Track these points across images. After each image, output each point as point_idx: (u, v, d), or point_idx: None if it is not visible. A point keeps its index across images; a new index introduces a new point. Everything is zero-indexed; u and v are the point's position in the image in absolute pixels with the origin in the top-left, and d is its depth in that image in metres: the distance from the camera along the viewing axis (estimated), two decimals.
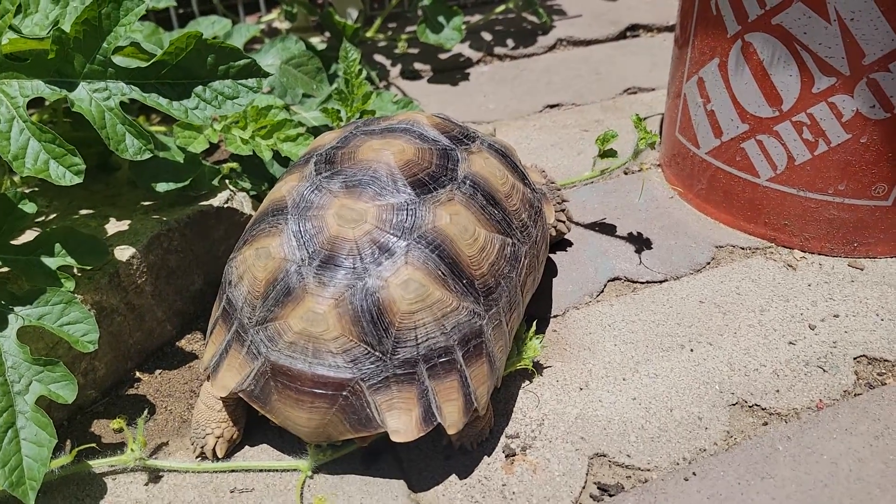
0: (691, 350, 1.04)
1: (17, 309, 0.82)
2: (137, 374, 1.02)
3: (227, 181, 1.17)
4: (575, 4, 2.30)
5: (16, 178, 1.10)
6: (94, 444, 0.89)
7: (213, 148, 1.52)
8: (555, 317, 1.11)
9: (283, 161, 1.25)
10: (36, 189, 1.11)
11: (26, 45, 0.85)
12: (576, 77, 1.87)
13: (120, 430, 0.86)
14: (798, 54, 1.08)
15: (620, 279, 1.18)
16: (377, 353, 0.79)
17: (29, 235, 0.97)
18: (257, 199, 1.23)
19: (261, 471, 0.88)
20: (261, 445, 0.91)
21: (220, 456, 0.88)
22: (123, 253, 0.98)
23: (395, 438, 0.79)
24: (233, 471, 0.88)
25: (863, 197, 1.14)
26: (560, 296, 1.15)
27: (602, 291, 1.16)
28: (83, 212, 1.06)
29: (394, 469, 0.88)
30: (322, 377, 0.79)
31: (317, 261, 0.80)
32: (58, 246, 0.89)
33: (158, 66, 0.87)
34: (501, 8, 2.08)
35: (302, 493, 0.85)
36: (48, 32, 0.87)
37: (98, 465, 0.87)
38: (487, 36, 2.08)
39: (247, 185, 1.21)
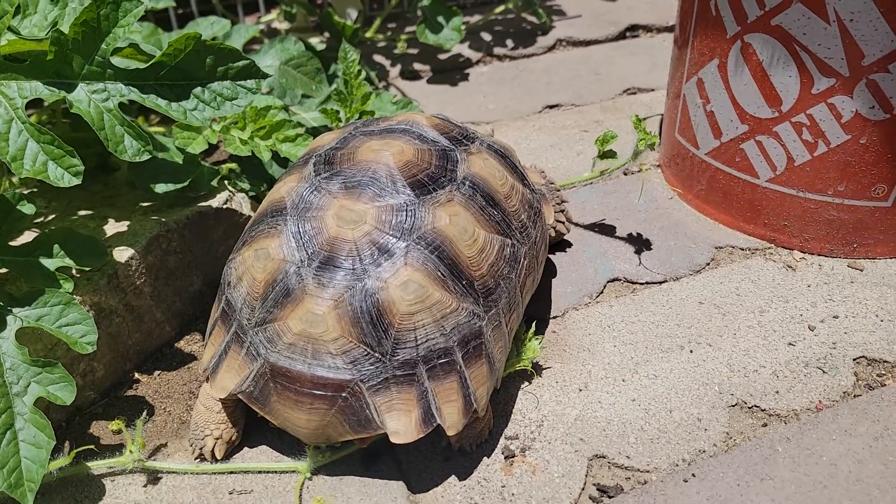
0: (691, 351, 1.04)
1: (15, 310, 0.82)
2: (136, 375, 1.02)
3: (225, 182, 1.17)
4: (574, 5, 2.30)
5: (14, 179, 1.10)
6: (92, 446, 0.89)
7: (212, 148, 1.52)
8: (554, 318, 1.11)
9: (283, 162, 1.25)
10: (35, 190, 1.10)
11: (25, 46, 0.85)
12: (575, 77, 1.87)
13: (118, 432, 0.86)
14: (797, 55, 1.07)
15: (620, 280, 1.18)
16: (377, 355, 0.78)
17: (28, 236, 0.97)
18: (256, 200, 1.23)
19: (260, 472, 0.88)
20: (260, 447, 0.91)
21: (218, 457, 0.88)
22: (122, 254, 0.98)
23: (394, 440, 0.79)
24: (231, 472, 0.88)
25: (862, 198, 1.14)
26: (559, 297, 1.14)
27: (601, 292, 1.16)
28: (82, 213, 1.06)
29: (393, 470, 0.88)
30: (321, 378, 0.78)
31: (316, 262, 0.80)
32: (56, 247, 0.89)
33: (157, 68, 0.87)
34: (501, 8, 2.08)
35: (301, 495, 0.85)
36: (47, 33, 0.87)
37: (97, 466, 0.87)
38: (487, 36, 2.08)
39: (246, 185, 1.21)
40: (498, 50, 2.01)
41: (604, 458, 0.88)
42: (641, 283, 1.17)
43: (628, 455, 0.89)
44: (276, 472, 0.88)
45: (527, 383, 0.99)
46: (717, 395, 0.96)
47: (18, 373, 0.80)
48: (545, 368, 1.01)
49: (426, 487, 0.85)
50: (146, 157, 0.86)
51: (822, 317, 1.08)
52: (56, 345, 0.89)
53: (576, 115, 1.70)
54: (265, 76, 0.92)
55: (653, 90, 1.80)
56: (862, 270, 1.17)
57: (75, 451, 0.85)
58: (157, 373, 1.03)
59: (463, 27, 1.79)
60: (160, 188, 1.05)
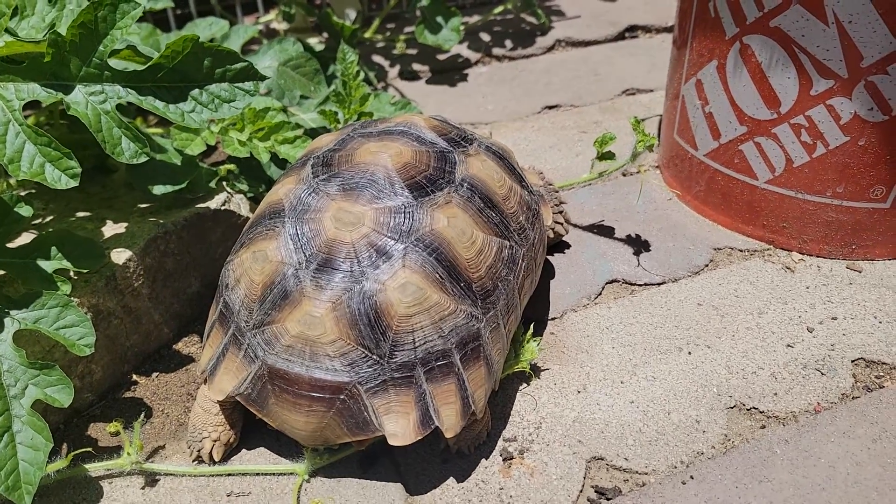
0: (689, 353, 1.03)
1: (13, 312, 0.82)
2: (134, 377, 1.02)
3: (224, 183, 1.17)
4: (573, 5, 2.30)
5: (12, 181, 1.10)
6: (90, 448, 0.89)
7: (211, 149, 1.52)
8: (552, 319, 1.10)
9: (281, 163, 1.25)
10: (33, 191, 1.10)
11: (22, 47, 0.85)
12: (574, 78, 1.87)
13: (116, 434, 0.86)
14: (796, 57, 1.07)
15: (618, 281, 1.18)
16: (374, 357, 0.78)
17: (26, 238, 0.97)
18: (255, 202, 1.23)
19: (257, 474, 0.88)
20: (258, 449, 0.91)
21: (216, 459, 0.88)
22: (120, 256, 0.97)
23: (392, 442, 0.78)
24: (229, 474, 0.88)
25: (861, 199, 1.14)
26: (558, 298, 1.14)
27: (600, 294, 1.15)
28: (80, 214, 1.06)
29: (391, 473, 0.88)
30: (319, 381, 0.78)
31: (314, 264, 0.80)
32: (54, 249, 0.89)
33: (155, 70, 0.87)
34: (500, 9, 2.08)
35: (299, 497, 0.85)
36: (44, 35, 0.87)
37: (94, 468, 0.87)
38: (486, 37, 2.07)
39: (244, 187, 1.21)
40: (497, 50, 2.00)
41: (602, 459, 0.88)
42: (640, 285, 1.17)
43: (626, 457, 0.89)
44: (273, 474, 0.88)
45: (525, 385, 0.99)
46: (715, 397, 0.96)
47: (16, 375, 0.80)
48: (543, 370, 1.01)
49: (424, 489, 0.85)
50: (143, 159, 0.86)
51: (820, 318, 1.08)
52: (54, 347, 0.89)
53: (575, 115, 1.70)
54: (263, 78, 0.92)
55: (652, 91, 1.80)
56: (860, 272, 1.17)
57: (73, 453, 0.85)
58: (154, 375, 1.03)
59: (462, 28, 1.79)
60: (158, 190, 1.05)
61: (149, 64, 0.86)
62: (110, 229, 1.02)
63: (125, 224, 1.03)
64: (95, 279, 0.94)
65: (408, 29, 2.14)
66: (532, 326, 0.98)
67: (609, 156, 1.17)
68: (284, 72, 1.41)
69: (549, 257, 1.23)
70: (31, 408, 0.79)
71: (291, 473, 0.87)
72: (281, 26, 2.05)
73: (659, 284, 1.17)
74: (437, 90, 1.83)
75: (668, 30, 2.13)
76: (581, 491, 0.85)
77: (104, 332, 0.96)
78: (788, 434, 0.91)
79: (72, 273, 0.93)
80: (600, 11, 2.24)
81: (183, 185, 1.06)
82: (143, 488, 0.86)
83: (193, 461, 0.89)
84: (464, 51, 1.99)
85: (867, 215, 1.15)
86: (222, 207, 1.11)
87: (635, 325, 1.09)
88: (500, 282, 0.87)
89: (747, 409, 0.95)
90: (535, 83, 1.85)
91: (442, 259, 0.82)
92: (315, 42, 1.79)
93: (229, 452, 0.90)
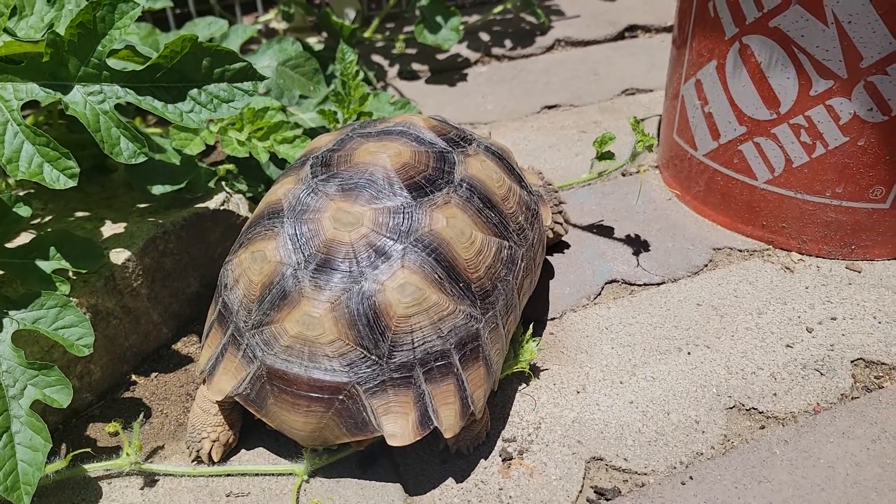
0: (688, 353, 1.03)
1: (11, 313, 0.82)
2: (133, 377, 1.02)
3: (223, 183, 1.17)
4: (573, 5, 2.30)
5: (11, 181, 1.10)
6: (89, 449, 0.89)
7: (210, 149, 1.51)
8: (552, 319, 1.10)
9: (280, 163, 1.25)
10: (32, 191, 1.10)
11: (21, 47, 0.85)
12: (574, 78, 1.87)
13: (115, 434, 0.86)
14: (795, 57, 1.07)
15: (618, 281, 1.18)
16: (373, 357, 0.78)
17: (24, 238, 0.97)
18: (254, 202, 1.23)
19: (257, 475, 0.88)
20: (257, 449, 0.91)
21: (215, 460, 0.88)
22: (119, 256, 0.97)
23: (391, 442, 0.78)
24: (229, 475, 0.87)
25: (860, 199, 1.13)
26: (557, 298, 1.14)
27: (599, 294, 1.15)
28: (79, 214, 1.06)
29: (390, 473, 0.87)
30: (318, 381, 0.78)
31: (313, 264, 0.80)
32: (53, 249, 0.89)
33: (153, 70, 0.86)
34: (499, 8, 2.08)
35: (298, 498, 0.85)
36: (43, 35, 0.87)
37: (93, 469, 0.87)
38: (485, 36, 2.07)
39: (243, 187, 1.21)
40: (496, 50, 2.00)
41: (601, 460, 0.88)
42: (639, 285, 1.17)
43: (626, 457, 0.89)
44: (273, 474, 0.88)
45: (524, 385, 0.99)
46: (714, 398, 0.96)
47: (15, 375, 0.79)
48: (543, 370, 1.01)
49: (423, 490, 0.85)
50: (142, 159, 0.86)
51: (819, 318, 1.08)
52: (52, 347, 0.89)
53: (574, 115, 1.70)
54: (262, 78, 0.92)
55: (651, 91, 1.80)
56: (860, 272, 1.17)
57: (72, 453, 0.85)
58: (153, 375, 1.03)
59: (461, 27, 1.79)
60: (157, 190, 1.05)
61: (147, 64, 0.86)
62: (109, 229, 1.02)
63: (124, 224, 1.03)
64: (94, 279, 0.94)
65: (407, 28, 2.13)
66: (531, 326, 0.98)
67: (608, 156, 1.17)
68: (283, 71, 1.41)
69: (549, 257, 1.22)
70: (30, 408, 0.79)
71: (290, 474, 0.87)
72: (280, 26, 2.05)
73: (658, 284, 1.17)
74: (437, 90, 1.83)
75: (668, 30, 2.13)
76: (580, 491, 0.85)
77: (103, 333, 0.96)
78: (788, 434, 0.91)
79: (70, 273, 0.93)
80: (600, 11, 2.24)
81: (182, 185, 1.06)
82: (142, 489, 0.86)
83: (192, 461, 0.89)
84: (463, 50, 1.99)
85: (866, 215, 1.15)
86: (221, 207, 1.11)
87: (635, 325, 1.09)
88: (499, 282, 0.87)
89: (747, 410, 0.95)
90: (535, 83, 1.85)
91: (441, 259, 0.82)
92: (314, 42, 1.79)
93: (228, 453, 0.90)
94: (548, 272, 1.19)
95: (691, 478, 0.86)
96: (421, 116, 1.01)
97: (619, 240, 1.27)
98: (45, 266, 0.88)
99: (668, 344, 1.05)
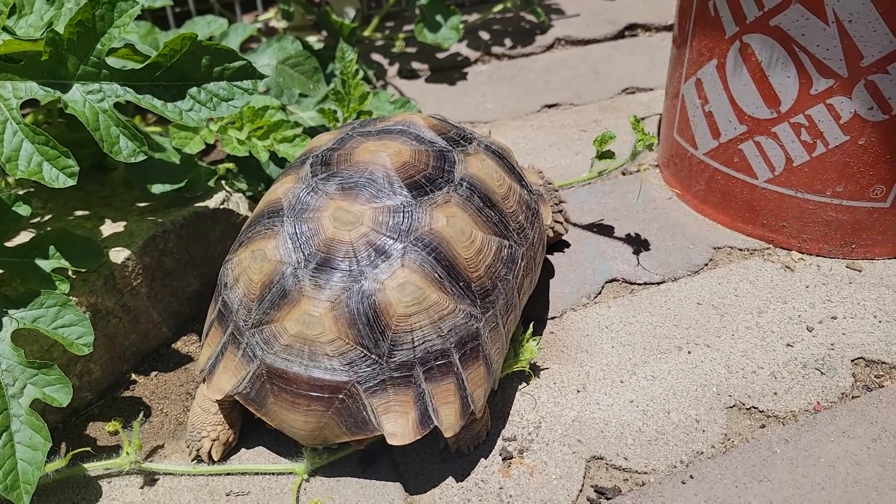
0: (689, 352, 1.03)
1: (11, 311, 0.82)
2: (133, 376, 1.02)
3: (223, 182, 1.16)
4: (573, 4, 2.30)
5: (10, 180, 1.10)
6: (89, 448, 0.89)
7: (210, 148, 1.51)
8: (552, 318, 1.10)
9: (280, 162, 1.25)
10: (31, 190, 1.10)
11: (20, 46, 0.84)
12: (574, 77, 1.87)
13: (115, 433, 0.85)
14: (796, 56, 1.07)
15: (618, 281, 1.18)
16: (373, 356, 0.78)
17: (24, 237, 0.97)
18: (254, 201, 1.23)
19: (257, 474, 0.88)
20: (257, 448, 0.91)
21: (215, 459, 0.88)
22: (119, 255, 0.97)
23: (391, 441, 0.78)
24: (228, 474, 0.87)
25: (861, 199, 1.13)
26: (557, 297, 1.14)
27: (599, 293, 1.15)
28: (78, 213, 1.06)
29: (390, 472, 0.87)
30: (318, 380, 0.78)
31: (313, 263, 0.80)
32: (52, 248, 0.89)
33: (153, 68, 0.86)
34: (499, 7, 2.08)
35: (298, 497, 0.84)
36: (42, 34, 0.87)
37: (93, 468, 0.86)
38: (485, 35, 2.07)
39: (243, 186, 1.21)
40: (496, 49, 2.00)
41: (602, 459, 0.88)
42: (640, 284, 1.17)
43: (626, 456, 0.88)
44: (273, 473, 0.88)
45: (524, 384, 0.99)
46: (715, 397, 0.96)
47: (14, 374, 0.79)
48: (543, 369, 1.01)
49: (423, 489, 0.85)
50: (141, 157, 0.86)
51: (820, 318, 1.08)
52: (52, 346, 0.89)
53: (574, 114, 1.70)
54: (262, 77, 0.92)
55: (651, 89, 1.80)
56: (860, 271, 1.17)
57: (72, 452, 0.85)
58: (153, 374, 1.03)
59: (461, 26, 1.79)
60: (157, 188, 1.05)
61: (147, 62, 0.86)
62: (109, 228, 1.02)
63: (124, 223, 1.03)
64: (94, 278, 0.94)
65: (407, 27, 2.13)
66: (531, 325, 0.98)
67: (609, 155, 1.17)
68: (283, 70, 1.41)
69: (549, 256, 1.22)
70: (30, 407, 0.79)
71: (290, 473, 0.87)
72: (280, 24, 2.05)
73: (658, 284, 1.17)
74: (437, 89, 1.83)
75: (668, 28, 2.13)
76: (581, 490, 0.85)
77: (103, 331, 0.96)
78: (788, 433, 0.91)
79: (70, 272, 0.93)
80: (600, 10, 2.24)
81: (182, 184, 1.06)
82: (142, 488, 0.86)
83: (192, 460, 0.89)
84: (463, 49, 1.99)
85: (867, 214, 1.15)
86: (221, 206, 1.11)
87: (635, 324, 1.09)
88: (499, 281, 0.87)
89: (747, 409, 0.95)
90: (535, 82, 1.85)
91: (441, 258, 0.82)
92: (314, 40, 1.79)
93: (228, 452, 0.90)
94: (548, 271, 1.19)
95: (692, 477, 0.86)
96: (421, 115, 1.01)
97: (620, 239, 1.27)
98: (45, 265, 0.87)
99: (668, 343, 1.05)
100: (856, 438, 0.90)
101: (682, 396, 0.96)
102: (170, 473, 0.87)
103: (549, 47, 2.04)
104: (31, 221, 1.03)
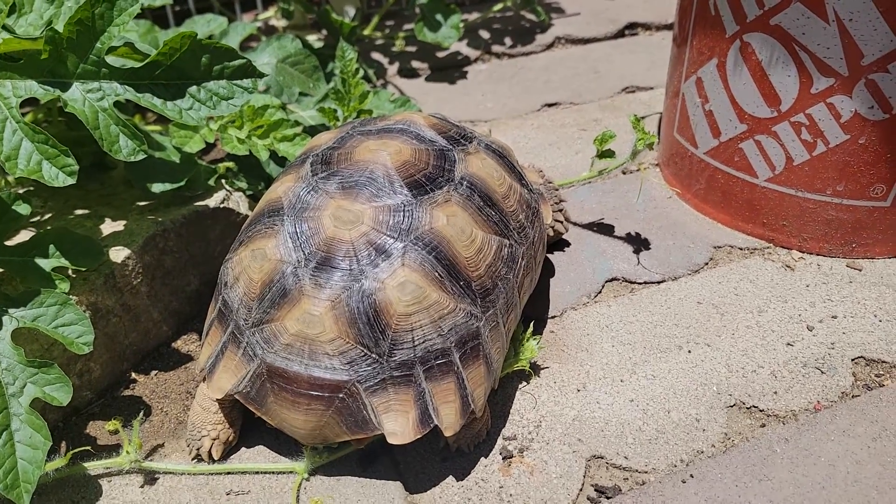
0: (689, 351, 1.03)
1: (11, 310, 0.82)
2: (133, 375, 1.02)
3: (223, 181, 1.16)
4: (573, 2, 2.29)
5: (10, 179, 1.09)
6: (89, 447, 0.89)
7: (210, 147, 1.51)
8: (552, 318, 1.10)
9: (280, 161, 1.25)
10: (31, 189, 1.10)
11: (20, 45, 0.84)
12: (574, 76, 1.87)
13: (115, 432, 0.85)
14: (796, 55, 1.07)
15: (618, 280, 1.18)
16: (374, 356, 0.78)
17: (24, 236, 0.97)
18: (254, 199, 1.23)
19: (257, 473, 0.88)
20: (257, 447, 0.91)
21: (215, 458, 0.88)
22: (119, 254, 0.97)
23: (391, 440, 0.78)
24: (229, 473, 0.87)
25: (861, 198, 1.13)
26: (558, 296, 1.14)
27: (600, 292, 1.15)
28: (78, 212, 1.06)
29: (390, 471, 0.87)
30: (318, 379, 0.78)
31: (313, 262, 0.80)
32: (52, 247, 0.88)
33: (152, 67, 0.86)
34: (499, 6, 2.07)
35: (298, 496, 0.84)
36: (42, 32, 0.87)
37: (93, 467, 0.86)
38: (485, 34, 2.07)
39: (243, 184, 1.21)
40: (496, 48, 2.00)
41: (602, 458, 0.88)
42: (640, 283, 1.17)
43: (626, 456, 0.88)
44: (273, 472, 0.87)
45: (525, 383, 0.99)
46: (715, 396, 0.96)
47: (14, 373, 0.79)
48: (543, 369, 1.01)
49: (424, 488, 0.85)
50: (141, 156, 0.85)
51: (820, 317, 1.08)
52: (52, 345, 0.89)
53: (574, 113, 1.70)
54: (261, 75, 0.91)
55: (651, 88, 1.80)
56: (860, 270, 1.17)
57: (72, 451, 0.85)
58: (153, 373, 1.03)
59: (461, 25, 1.79)
60: (157, 187, 1.05)
61: (146, 61, 0.86)
62: (109, 227, 1.02)
63: (124, 222, 1.03)
64: (94, 277, 0.94)
65: (407, 26, 2.13)
66: (532, 325, 0.98)
67: (609, 154, 1.17)
68: (283, 69, 1.41)
69: (549, 255, 1.22)
70: (30, 406, 0.79)
71: (291, 472, 0.87)
72: (280, 23, 2.05)
73: (659, 283, 1.17)
74: (437, 88, 1.83)
75: (668, 27, 2.13)
76: (581, 489, 0.85)
77: (103, 330, 0.95)
78: (788, 433, 0.91)
79: (70, 271, 0.93)
80: (600, 9, 2.24)
81: (182, 183, 1.06)
82: (142, 487, 0.86)
83: (193, 459, 0.89)
84: (463, 48, 1.99)
85: (867, 214, 1.15)
86: (221, 205, 1.11)
87: (635, 323, 1.09)
88: (499, 280, 0.87)
89: (747, 408, 0.95)
90: (535, 81, 1.85)
91: (441, 257, 0.82)
92: (314, 39, 1.79)
93: (228, 451, 0.90)
94: (548, 270, 1.19)
95: (692, 476, 0.86)
96: (421, 114, 1.01)
97: (620, 238, 1.27)
98: (45, 264, 0.87)
99: (668, 342, 1.05)
100: (856, 437, 0.90)
101: (683, 395, 0.96)
102: (170, 472, 0.87)
103: (550, 46, 2.04)
104: (31, 220, 1.03)
